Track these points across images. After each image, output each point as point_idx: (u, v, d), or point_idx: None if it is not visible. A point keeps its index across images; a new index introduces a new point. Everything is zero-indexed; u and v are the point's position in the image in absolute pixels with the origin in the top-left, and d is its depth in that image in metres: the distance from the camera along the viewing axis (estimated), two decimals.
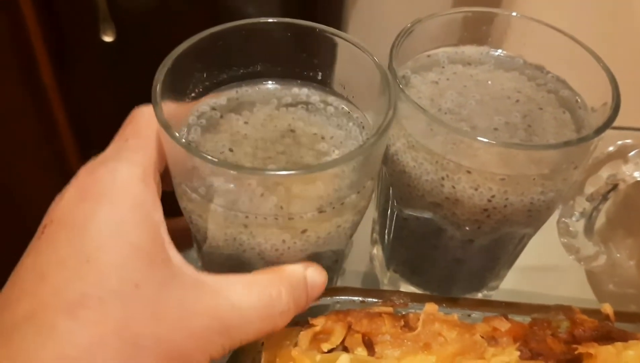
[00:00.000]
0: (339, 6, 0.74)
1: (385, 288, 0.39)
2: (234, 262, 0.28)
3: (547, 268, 0.43)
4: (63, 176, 0.26)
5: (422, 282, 0.37)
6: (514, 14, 0.34)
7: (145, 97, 0.27)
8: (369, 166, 0.27)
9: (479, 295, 0.38)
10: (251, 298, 0.25)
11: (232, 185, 0.24)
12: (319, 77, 0.33)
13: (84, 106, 0.77)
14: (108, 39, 0.69)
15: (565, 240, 0.33)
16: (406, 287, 0.38)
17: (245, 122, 0.30)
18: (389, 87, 0.28)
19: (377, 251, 0.40)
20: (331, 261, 0.31)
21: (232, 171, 0.24)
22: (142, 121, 0.27)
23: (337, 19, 0.75)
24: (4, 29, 0.64)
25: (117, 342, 0.21)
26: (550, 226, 0.34)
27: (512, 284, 0.40)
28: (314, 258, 0.28)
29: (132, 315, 0.22)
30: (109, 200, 0.24)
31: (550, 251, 0.42)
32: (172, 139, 0.24)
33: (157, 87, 0.26)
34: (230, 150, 0.28)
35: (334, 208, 0.26)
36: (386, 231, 0.37)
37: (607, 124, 0.28)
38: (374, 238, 0.40)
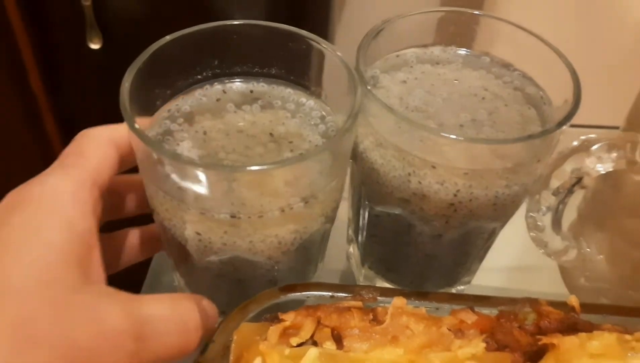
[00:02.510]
0: (326, 10, 0.75)
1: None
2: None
3: (521, 266, 0.44)
4: None
5: (396, 279, 0.38)
6: (479, 13, 0.34)
7: None
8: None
9: (452, 291, 0.38)
10: (165, 309, 0.25)
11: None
12: (292, 78, 0.33)
13: (73, 112, 0.78)
14: (95, 46, 0.70)
15: (534, 234, 0.34)
16: (382, 284, 0.38)
17: (235, 112, 0.31)
18: (354, 86, 0.29)
19: (352, 249, 0.40)
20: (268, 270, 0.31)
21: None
22: (85, 140, 0.28)
23: (324, 22, 0.76)
24: None
25: (10, 337, 0.21)
26: (523, 224, 0.35)
27: (486, 282, 0.41)
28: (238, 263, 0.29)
29: (32, 313, 0.22)
30: (31, 205, 0.24)
31: (524, 249, 0.42)
32: (127, 123, 0.26)
33: (126, 87, 0.27)
34: (205, 133, 0.30)
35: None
36: (360, 229, 0.37)
37: (569, 117, 0.29)
38: (349, 236, 0.40)
